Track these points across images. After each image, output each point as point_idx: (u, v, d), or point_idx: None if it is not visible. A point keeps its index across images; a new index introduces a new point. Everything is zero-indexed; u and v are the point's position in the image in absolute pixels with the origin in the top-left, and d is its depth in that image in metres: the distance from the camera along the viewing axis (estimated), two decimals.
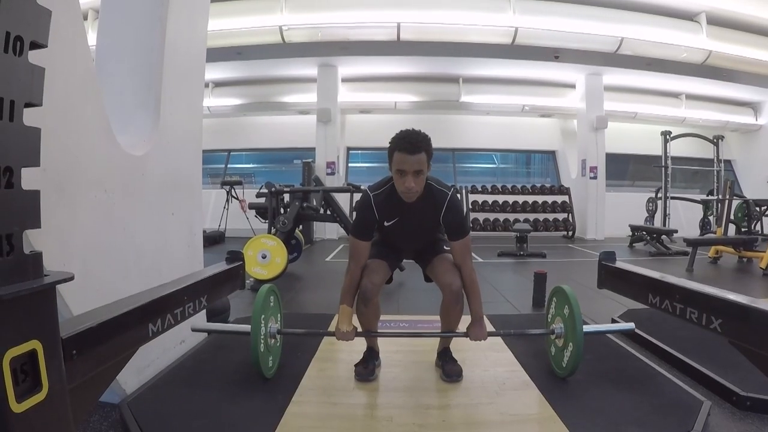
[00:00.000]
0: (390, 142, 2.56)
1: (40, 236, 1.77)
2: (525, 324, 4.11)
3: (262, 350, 2.82)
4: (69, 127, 2.23)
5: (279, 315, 3.17)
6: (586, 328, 2.80)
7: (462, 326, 2.89)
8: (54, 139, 1.99)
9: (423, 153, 2.50)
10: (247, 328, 2.84)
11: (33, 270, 1.31)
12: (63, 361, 1.41)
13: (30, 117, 1.29)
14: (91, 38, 2.57)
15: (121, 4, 3.27)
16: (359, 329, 2.81)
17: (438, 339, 3.11)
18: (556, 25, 11.14)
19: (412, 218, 2.72)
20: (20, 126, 1.26)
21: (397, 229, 2.77)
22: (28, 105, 1.29)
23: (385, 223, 2.74)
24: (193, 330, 3.16)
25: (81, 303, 2.07)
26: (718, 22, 11.68)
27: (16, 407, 1.20)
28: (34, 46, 1.32)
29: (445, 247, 2.91)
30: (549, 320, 3.11)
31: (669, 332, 3.64)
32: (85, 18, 8.71)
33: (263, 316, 2.90)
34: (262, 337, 2.84)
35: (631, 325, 3.25)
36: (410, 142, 2.48)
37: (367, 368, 2.94)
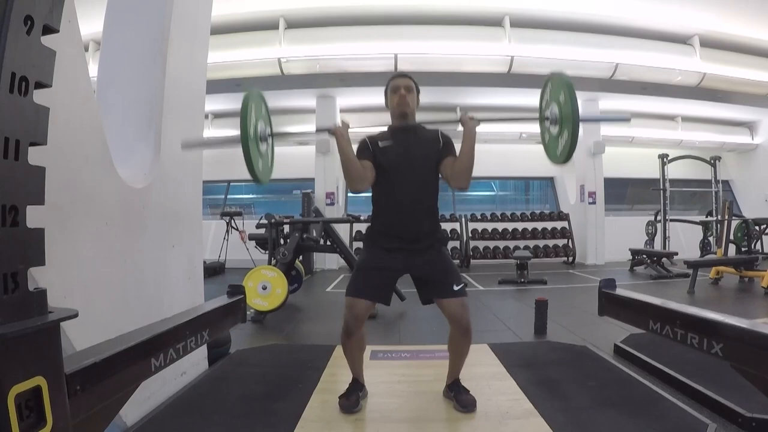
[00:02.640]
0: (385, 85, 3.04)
1: (41, 270, 1.79)
2: (527, 353, 4.10)
3: (254, 159, 2.61)
4: (71, 161, 2.26)
5: (269, 119, 2.92)
6: (582, 115, 2.59)
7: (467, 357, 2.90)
8: (56, 173, 2.00)
9: (411, 80, 2.99)
10: (236, 136, 2.58)
11: (37, 307, 1.32)
12: (67, 397, 1.41)
13: (34, 155, 1.32)
14: (92, 69, 2.61)
15: (122, 37, 3.33)
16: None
17: (445, 370, 3.08)
18: (551, 53, 11.28)
19: (407, 143, 2.91)
20: (25, 165, 1.29)
21: (393, 155, 2.86)
22: (33, 144, 1.32)
23: (380, 143, 2.91)
24: (183, 147, 3.18)
25: (83, 337, 2.07)
26: (711, 44, 11.86)
27: None
28: (39, 85, 1.35)
29: (455, 287, 2.80)
30: (543, 106, 2.89)
31: (672, 355, 3.63)
32: (86, 49, 8.82)
33: (252, 122, 2.67)
34: (251, 138, 2.61)
35: (627, 116, 3.15)
36: (400, 73, 3.06)
37: (350, 400, 2.91)
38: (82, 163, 2.37)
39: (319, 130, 3.20)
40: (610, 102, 13.12)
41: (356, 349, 2.89)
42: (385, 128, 3.02)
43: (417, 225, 2.86)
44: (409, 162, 2.85)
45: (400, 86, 2.92)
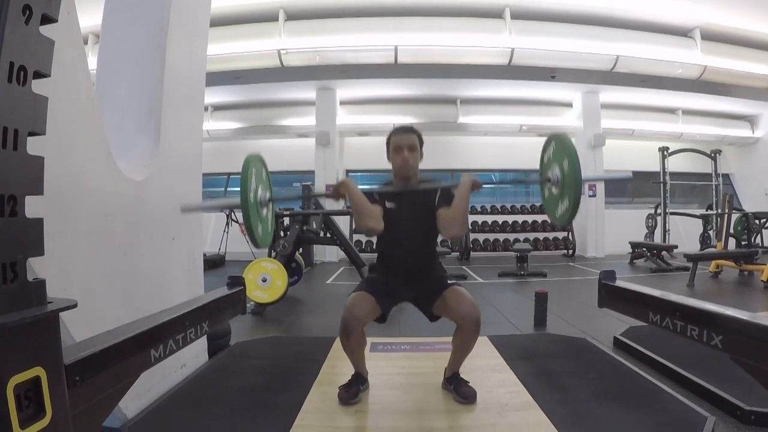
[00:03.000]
0: (386, 137, 2.95)
1: (41, 262, 1.78)
2: (527, 345, 4.11)
3: (254, 224, 2.70)
4: (70, 153, 2.25)
5: (269, 184, 2.97)
6: (585, 177, 2.58)
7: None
8: (55, 165, 2.00)
9: (415, 135, 2.89)
10: (237, 200, 2.65)
11: (36, 297, 1.32)
12: (66, 388, 1.41)
13: (33, 145, 1.31)
14: (91, 62, 2.60)
15: (121, 29, 3.32)
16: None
17: (445, 362, 3.08)
18: (551, 45, 11.27)
19: (408, 207, 2.85)
20: (24, 155, 1.28)
21: (396, 218, 2.83)
22: (31, 134, 1.31)
23: (387, 204, 2.85)
24: (183, 211, 3.13)
25: (82, 328, 2.07)
26: (712, 37, 11.84)
27: None
28: (38, 75, 1.35)
29: (448, 282, 2.89)
30: (545, 162, 2.89)
31: (672, 348, 3.63)
32: (85, 42, 8.79)
33: (252, 187, 2.72)
34: (252, 204, 2.67)
35: (628, 174, 3.09)
36: (403, 127, 2.95)
37: (349, 392, 2.92)
38: (81, 155, 2.36)
39: (319, 195, 3.22)
40: (611, 95, 13.14)
41: (357, 346, 2.86)
42: (387, 181, 2.99)
43: (418, 275, 2.96)
44: (410, 225, 2.88)
45: (404, 147, 2.84)
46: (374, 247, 3.07)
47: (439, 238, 3.02)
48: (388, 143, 2.93)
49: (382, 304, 2.86)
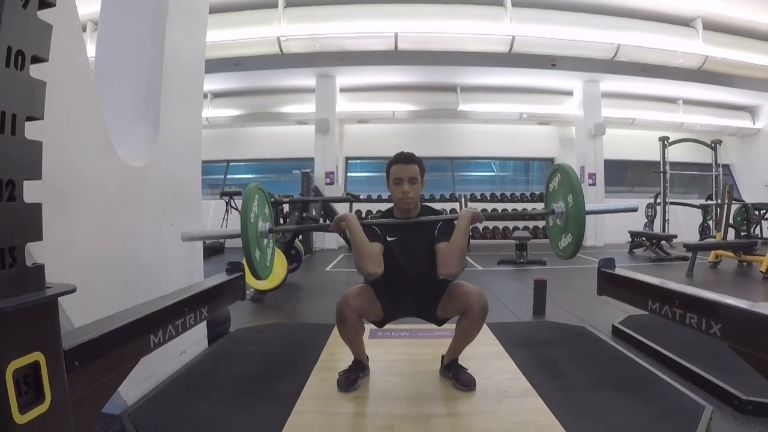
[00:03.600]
0: (387, 164, 2.88)
1: (40, 248, 1.78)
2: (526, 332, 4.12)
3: (254, 253, 2.72)
4: (69, 139, 2.24)
5: (269, 213, 3.04)
6: (588, 207, 2.62)
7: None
8: (54, 151, 1.99)
9: (416, 165, 2.80)
10: (237, 230, 2.71)
11: (35, 282, 1.32)
12: (65, 373, 1.41)
13: (31, 130, 1.30)
14: (90, 50, 2.58)
15: (120, 16, 3.29)
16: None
17: (445, 349, 3.09)
18: (552, 33, 11.22)
19: (409, 239, 2.83)
20: (22, 139, 1.27)
21: (396, 250, 2.83)
22: (29, 118, 1.30)
23: (388, 238, 2.81)
24: (184, 239, 3.10)
25: (82, 314, 2.07)
26: (714, 27, 11.80)
27: (19, 418, 1.20)
28: (35, 60, 1.34)
29: (449, 279, 2.91)
30: (550, 190, 2.93)
31: (670, 337, 3.64)
32: (84, 30, 8.75)
33: (252, 216, 2.76)
34: (252, 235, 2.71)
35: (634, 206, 3.10)
36: (404, 156, 2.83)
37: (349, 379, 2.93)
38: (79, 141, 2.35)
39: (318, 228, 3.19)
40: (612, 83, 13.11)
41: (352, 334, 2.86)
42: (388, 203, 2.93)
43: (419, 290, 2.98)
44: (411, 257, 2.86)
45: (404, 179, 2.76)
46: None
47: None
48: (388, 171, 2.86)
49: (384, 304, 2.89)
